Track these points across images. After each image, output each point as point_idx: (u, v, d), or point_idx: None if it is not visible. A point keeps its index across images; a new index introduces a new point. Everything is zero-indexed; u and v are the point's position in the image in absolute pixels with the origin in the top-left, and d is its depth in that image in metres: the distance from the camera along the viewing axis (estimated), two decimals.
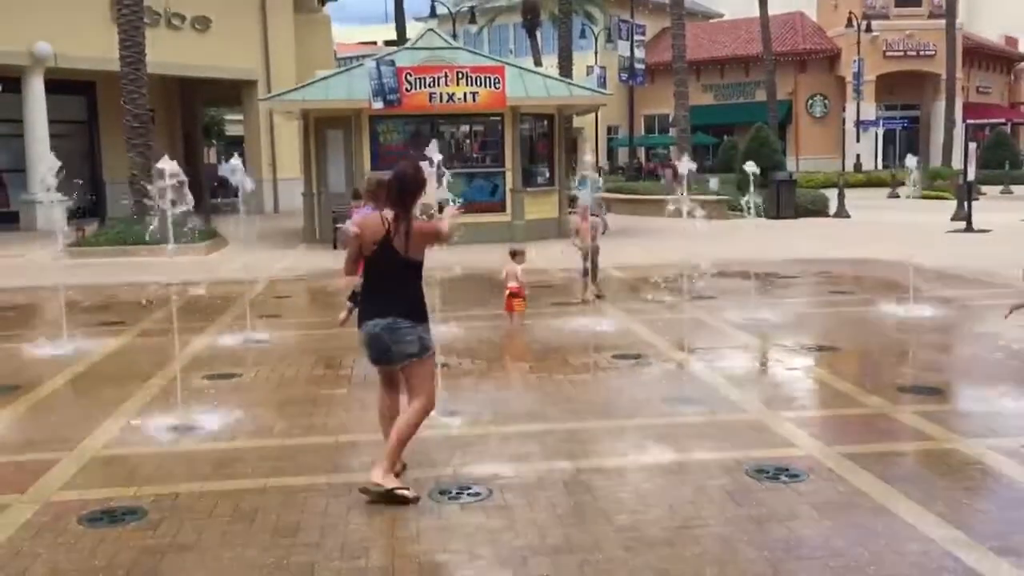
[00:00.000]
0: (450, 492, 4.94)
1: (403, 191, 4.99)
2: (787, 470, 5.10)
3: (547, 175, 20.39)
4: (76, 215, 22.27)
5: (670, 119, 48.56)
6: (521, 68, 20.97)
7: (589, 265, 11.32)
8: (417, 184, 5.08)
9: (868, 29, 43.15)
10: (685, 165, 9.21)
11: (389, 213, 4.97)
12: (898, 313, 10.12)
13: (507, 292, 9.91)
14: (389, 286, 4.99)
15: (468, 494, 4.91)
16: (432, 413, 5.24)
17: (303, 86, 19.91)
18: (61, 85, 24.06)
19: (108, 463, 5.61)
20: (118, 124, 20.12)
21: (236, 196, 31.41)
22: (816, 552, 4.10)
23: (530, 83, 19.45)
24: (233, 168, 11.26)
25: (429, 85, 18.24)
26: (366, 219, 5.18)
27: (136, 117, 18.38)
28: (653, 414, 6.38)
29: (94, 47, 21.96)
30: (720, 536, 4.31)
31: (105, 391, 7.36)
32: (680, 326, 9.81)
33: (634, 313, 10.26)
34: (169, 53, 23.16)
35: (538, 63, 34.56)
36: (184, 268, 15.21)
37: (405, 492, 4.78)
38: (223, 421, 6.41)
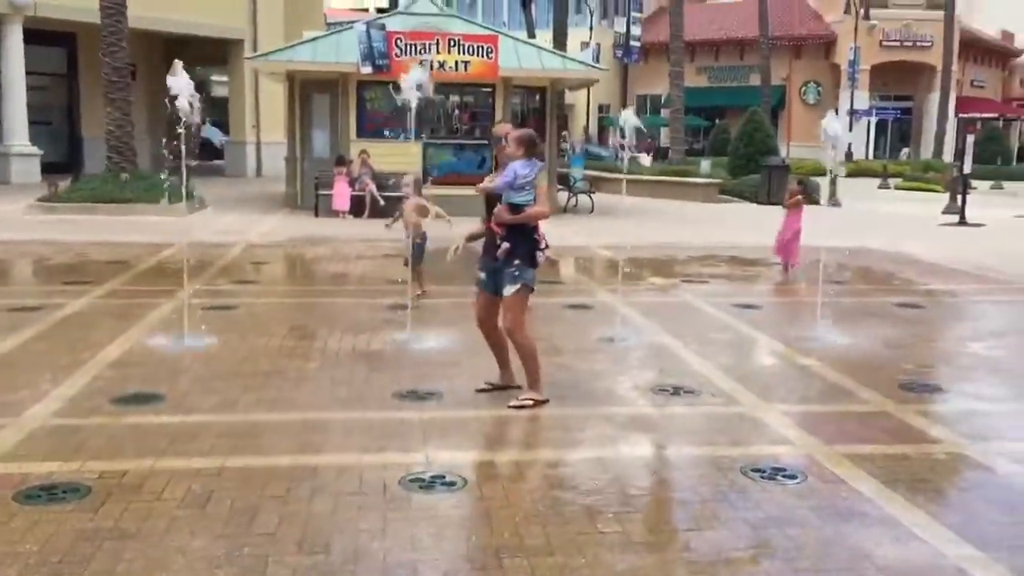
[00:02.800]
0: (422, 481, 4.57)
1: None
2: (784, 470, 4.75)
3: None
4: (51, 170, 21.80)
5: (662, 99, 48.22)
6: (515, 39, 20.44)
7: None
8: None
9: (866, 17, 42.76)
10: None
11: None
12: (897, 306, 9.81)
13: None
14: None
15: (442, 483, 4.54)
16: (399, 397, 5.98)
17: (290, 47, 19.33)
18: (40, 36, 23.33)
19: (55, 433, 5.19)
20: (98, 78, 19.49)
21: (219, 158, 30.82)
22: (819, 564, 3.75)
23: (524, 54, 18.95)
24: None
25: (420, 52, 17.71)
26: None
27: (115, 70, 17.76)
28: (641, 403, 6.02)
29: None
30: (714, 541, 3.95)
31: (61, 355, 6.92)
32: (669, 310, 9.47)
33: (620, 295, 9.87)
34: (152, 7, 22.48)
35: (532, 36, 33.98)
36: (160, 228, 14.75)
37: None
38: (184, 392, 6.01)
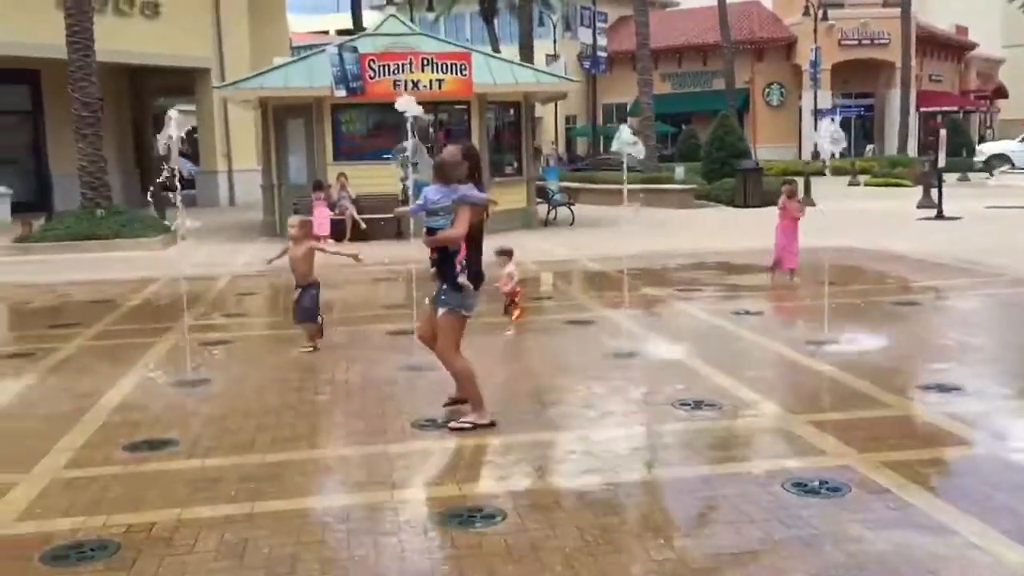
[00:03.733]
0: (461, 516, 4.45)
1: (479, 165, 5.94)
2: (826, 482, 4.67)
3: (515, 164, 19.88)
4: (20, 209, 21.41)
5: (628, 108, 48.40)
6: (487, 55, 20.43)
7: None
8: None
9: (824, 17, 43.23)
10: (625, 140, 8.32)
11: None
12: (895, 304, 9.82)
13: (519, 296, 9.21)
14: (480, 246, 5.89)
15: (481, 517, 4.42)
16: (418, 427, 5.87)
17: (260, 73, 19.14)
18: (3, 73, 22.97)
19: (71, 487, 5.00)
20: (65, 114, 19.17)
21: (190, 188, 30.49)
22: None
23: (497, 70, 18.92)
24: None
25: (393, 72, 17.61)
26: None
27: (86, 106, 17.46)
28: (667, 420, 5.93)
29: (39, 33, 20.90)
30: (774, 565, 3.87)
31: (61, 402, 6.72)
32: (671, 321, 9.42)
33: (618, 308, 9.79)
34: (117, 40, 22.18)
35: (496, 51, 34.00)
36: (140, 263, 14.51)
37: None
38: (196, 435, 5.84)
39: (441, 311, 5.82)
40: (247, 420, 6.14)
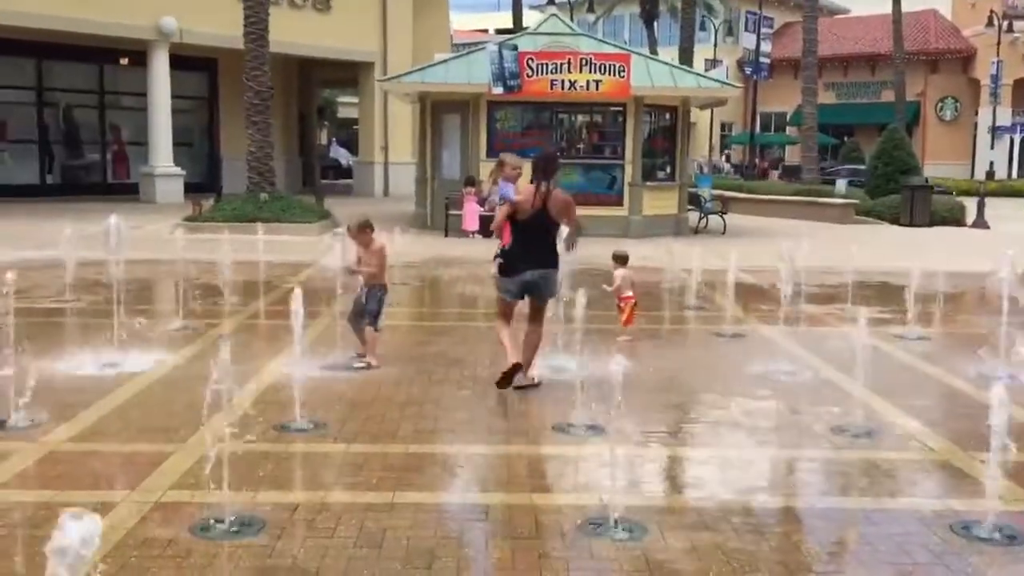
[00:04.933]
0: (600, 525, 4.31)
1: (548, 167, 6.74)
2: (1000, 529, 4.29)
3: (668, 170, 19.54)
4: (191, 190, 22.67)
5: (788, 117, 46.96)
6: (647, 57, 20.16)
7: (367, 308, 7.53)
8: (557, 163, 7.09)
9: (1009, 29, 40.70)
10: None
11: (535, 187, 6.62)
12: None
13: (624, 303, 8.98)
14: (544, 243, 6.67)
15: (621, 529, 4.27)
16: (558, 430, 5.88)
17: (422, 68, 19.53)
18: (184, 61, 24.35)
19: (222, 460, 5.15)
20: (238, 101, 20.12)
21: (348, 177, 31.48)
22: None
23: (655, 73, 18.62)
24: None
25: (551, 71, 17.60)
26: (526, 191, 6.68)
27: (257, 94, 18.26)
28: (823, 445, 5.62)
29: (218, 23, 22.07)
30: None
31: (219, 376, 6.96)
32: (828, 340, 8.98)
33: (771, 322, 9.40)
34: (290, 32, 23.15)
35: (654, 54, 33.58)
36: (297, 248, 15.03)
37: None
38: (342, 419, 5.94)
39: None
40: (391, 409, 6.21)
